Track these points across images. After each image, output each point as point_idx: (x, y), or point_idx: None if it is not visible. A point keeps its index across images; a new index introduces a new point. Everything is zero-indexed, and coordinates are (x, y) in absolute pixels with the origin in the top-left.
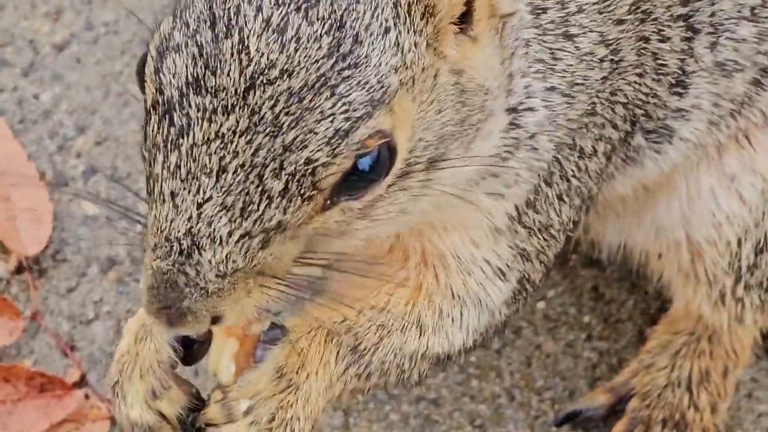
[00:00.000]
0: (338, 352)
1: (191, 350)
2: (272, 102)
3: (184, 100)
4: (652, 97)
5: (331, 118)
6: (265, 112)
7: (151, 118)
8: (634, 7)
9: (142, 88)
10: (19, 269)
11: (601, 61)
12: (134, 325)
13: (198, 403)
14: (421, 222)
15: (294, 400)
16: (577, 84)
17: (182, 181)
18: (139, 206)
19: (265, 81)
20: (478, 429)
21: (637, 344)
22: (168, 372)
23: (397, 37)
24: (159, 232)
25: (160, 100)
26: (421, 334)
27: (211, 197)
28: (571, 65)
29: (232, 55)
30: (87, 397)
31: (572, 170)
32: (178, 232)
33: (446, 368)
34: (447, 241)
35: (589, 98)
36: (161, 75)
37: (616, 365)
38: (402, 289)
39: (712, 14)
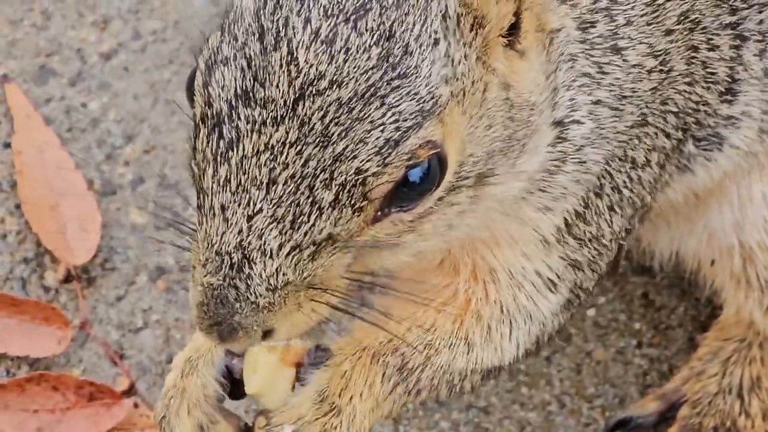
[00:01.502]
0: (384, 373)
1: (238, 384)
2: (322, 112)
3: (234, 112)
4: (703, 105)
5: (381, 128)
6: (315, 123)
7: (200, 132)
8: (683, 17)
9: (192, 102)
10: (67, 278)
11: (650, 72)
12: (180, 360)
13: None
14: (472, 237)
15: (338, 423)
16: (626, 96)
17: (232, 194)
18: (187, 213)
19: (314, 92)
20: None
21: (687, 351)
22: (215, 406)
23: (447, 49)
24: (210, 246)
25: (209, 113)
26: (469, 351)
27: (261, 209)
28: (619, 78)
29: (281, 66)
30: (136, 405)
31: (624, 181)
32: (229, 245)
33: (497, 377)
34: (499, 256)
35: (639, 109)
36: (210, 88)
37: (667, 372)
38: (450, 306)
39: (761, 22)
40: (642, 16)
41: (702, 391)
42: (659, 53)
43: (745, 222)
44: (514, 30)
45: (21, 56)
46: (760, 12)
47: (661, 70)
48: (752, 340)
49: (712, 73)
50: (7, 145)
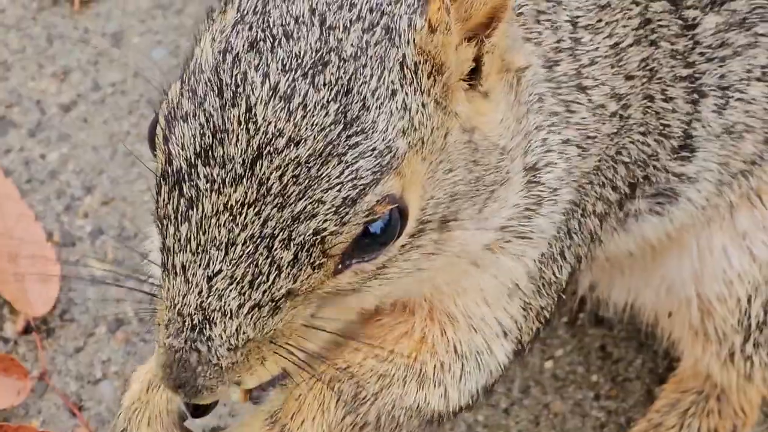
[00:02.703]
0: (338, 399)
1: (201, 405)
2: (280, 172)
3: (193, 171)
4: (654, 159)
5: (338, 187)
6: (273, 183)
7: (161, 188)
8: (643, 64)
9: (154, 153)
10: (26, 329)
11: (612, 115)
12: (148, 373)
13: None
14: (434, 283)
15: None
16: (590, 137)
17: (193, 254)
18: (145, 267)
19: (272, 150)
20: None
21: (645, 403)
22: (176, 422)
23: (404, 99)
24: (172, 306)
25: (169, 171)
26: (420, 388)
27: (221, 270)
28: (585, 118)
29: (239, 124)
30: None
31: (574, 227)
32: (190, 306)
33: (439, 427)
34: (458, 302)
35: (599, 153)
36: (170, 145)
37: (625, 424)
38: (405, 341)
39: (721, 76)
40: (606, 57)
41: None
42: (621, 97)
43: (704, 274)
44: (476, 73)
45: None
46: (721, 66)
47: (621, 116)
48: (710, 393)
49: (666, 125)
50: None
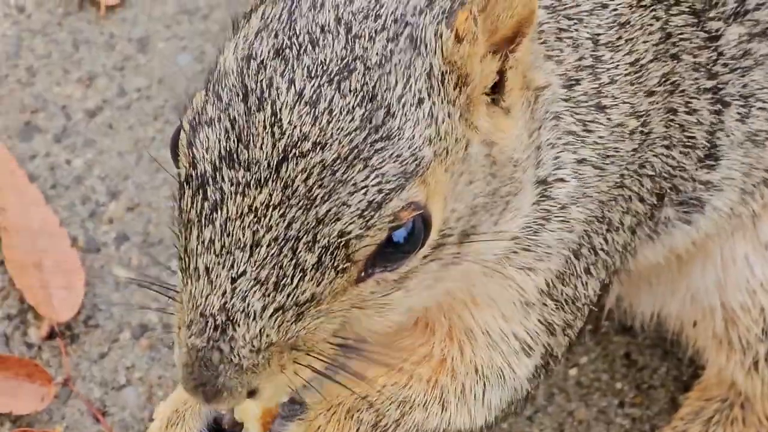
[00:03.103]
0: (358, 429)
1: None
2: (305, 175)
3: (218, 174)
4: (680, 170)
5: (364, 191)
6: (298, 185)
7: (184, 193)
8: (663, 79)
9: (176, 161)
10: (51, 335)
11: (632, 132)
12: (168, 409)
13: None
14: (451, 296)
15: None
16: (609, 156)
17: (216, 255)
18: (168, 274)
19: (297, 154)
20: None
21: (669, 411)
22: None
23: (431, 108)
24: (194, 307)
25: (193, 175)
26: (443, 410)
27: (245, 272)
28: (603, 137)
29: (264, 128)
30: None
31: (600, 243)
32: (213, 307)
33: None
34: (476, 316)
35: (619, 170)
36: (194, 149)
37: None
38: (425, 364)
39: (744, 86)
40: (626, 75)
41: None
42: (641, 114)
43: (727, 283)
44: (498, 87)
45: (6, 113)
46: (743, 76)
47: (642, 132)
48: (734, 401)
49: (691, 137)
50: None
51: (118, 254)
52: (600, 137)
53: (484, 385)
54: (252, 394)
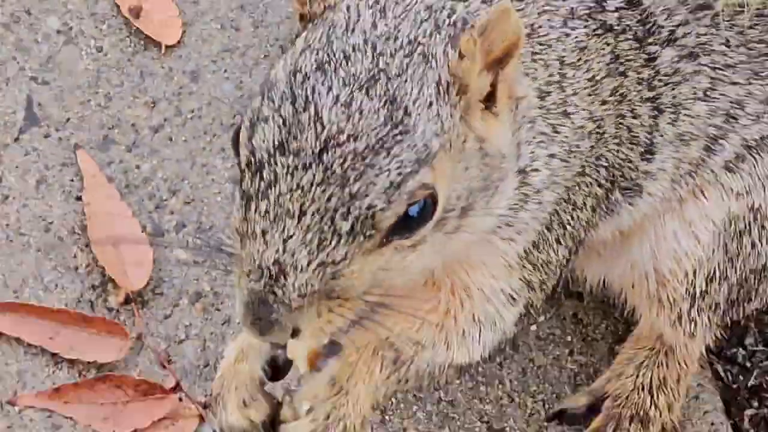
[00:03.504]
0: (382, 363)
1: (279, 369)
2: (341, 161)
3: (272, 159)
4: (627, 162)
5: (387, 174)
6: (336, 168)
7: (245, 176)
8: (614, 91)
9: (237, 152)
10: (126, 301)
11: (590, 133)
12: (234, 350)
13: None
14: (452, 261)
15: (345, 402)
16: (572, 151)
17: (271, 222)
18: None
19: (335, 144)
20: (485, 424)
21: (609, 358)
22: (257, 387)
23: (438, 110)
24: (253, 261)
25: (252, 161)
26: (447, 349)
27: (294, 234)
28: (568, 137)
29: (309, 124)
30: (180, 399)
31: (567, 219)
32: (269, 261)
33: (465, 374)
34: (472, 276)
35: (581, 162)
36: (254, 141)
37: (593, 374)
38: (433, 314)
39: (674, 97)
40: (585, 88)
41: (621, 389)
42: (597, 119)
43: (659, 253)
44: (490, 97)
45: (89, 129)
46: (673, 89)
47: (597, 132)
48: (660, 349)
49: (635, 136)
50: (79, 198)
51: (177, 238)
52: (566, 137)
53: (480, 329)
54: (295, 333)
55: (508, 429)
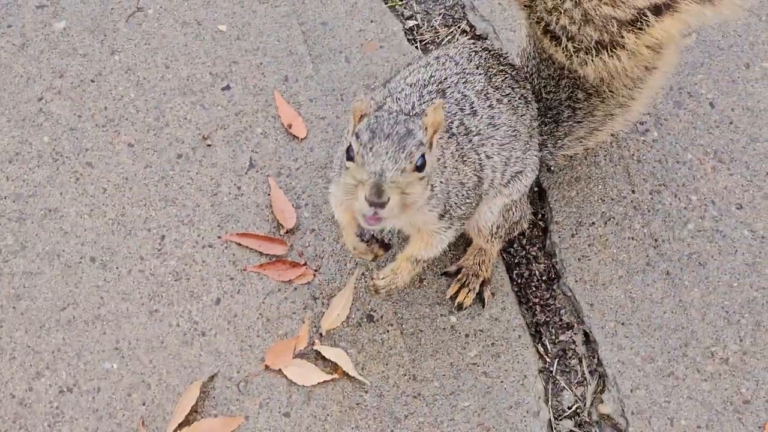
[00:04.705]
0: (410, 263)
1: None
2: (396, 140)
3: (369, 140)
4: (474, 173)
5: (413, 143)
6: (395, 140)
7: (359, 146)
8: (458, 153)
9: (350, 156)
10: (286, 232)
11: (465, 165)
12: (343, 221)
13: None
14: (421, 222)
15: (397, 277)
16: (457, 168)
17: (374, 157)
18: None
19: (394, 134)
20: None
21: (464, 252)
22: (356, 231)
23: (423, 134)
24: (368, 172)
25: (361, 139)
26: (432, 252)
27: (385, 159)
28: (455, 167)
29: (379, 139)
30: (305, 264)
31: (464, 195)
32: (376, 169)
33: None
34: (430, 225)
35: (465, 173)
36: (358, 135)
37: (458, 259)
38: (419, 241)
39: (485, 150)
40: (456, 151)
41: (467, 263)
42: (465, 160)
43: (481, 217)
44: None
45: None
46: (482, 146)
47: (458, 168)
48: (481, 250)
49: (472, 163)
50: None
51: (307, 210)
52: (455, 162)
53: (435, 245)
54: (382, 206)
55: (426, 282)
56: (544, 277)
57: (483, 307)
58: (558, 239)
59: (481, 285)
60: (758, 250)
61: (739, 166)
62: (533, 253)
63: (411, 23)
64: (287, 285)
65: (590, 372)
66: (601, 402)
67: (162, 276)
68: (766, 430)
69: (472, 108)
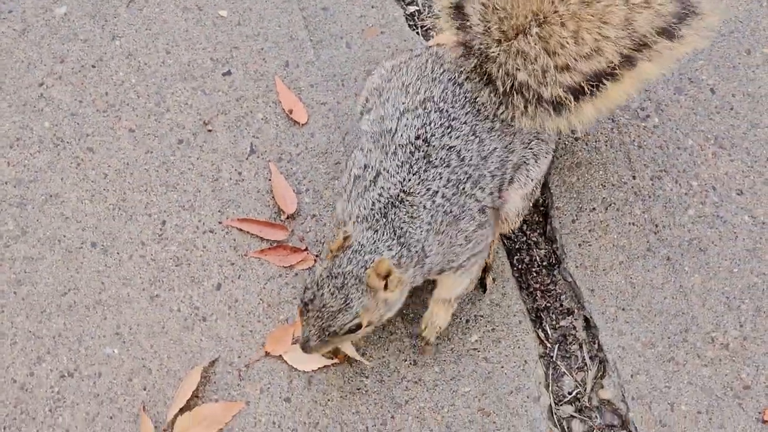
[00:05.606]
0: (446, 304)
1: None
2: (328, 314)
3: (309, 302)
4: (468, 230)
5: (342, 320)
6: (326, 316)
7: (302, 294)
8: (459, 213)
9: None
10: (287, 217)
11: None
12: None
13: None
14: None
15: (437, 314)
16: (451, 232)
17: (305, 323)
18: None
19: (327, 306)
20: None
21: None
22: None
23: (364, 298)
24: (306, 326)
25: (304, 296)
26: (454, 291)
27: (312, 330)
28: (445, 232)
29: (317, 298)
30: (306, 249)
31: (468, 247)
32: (305, 334)
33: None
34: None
35: (461, 227)
36: (306, 288)
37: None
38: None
39: (475, 179)
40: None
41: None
42: (460, 217)
43: (508, 207)
44: (387, 285)
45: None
46: (461, 195)
47: (457, 223)
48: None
49: (470, 211)
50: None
51: (308, 195)
52: (449, 236)
53: (461, 283)
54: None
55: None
56: (544, 263)
57: (484, 292)
58: (559, 225)
59: (483, 271)
60: (758, 236)
61: (740, 152)
62: (534, 239)
63: (412, 9)
64: (288, 270)
65: (590, 357)
66: (602, 387)
67: (163, 261)
68: (767, 415)
69: (460, 156)
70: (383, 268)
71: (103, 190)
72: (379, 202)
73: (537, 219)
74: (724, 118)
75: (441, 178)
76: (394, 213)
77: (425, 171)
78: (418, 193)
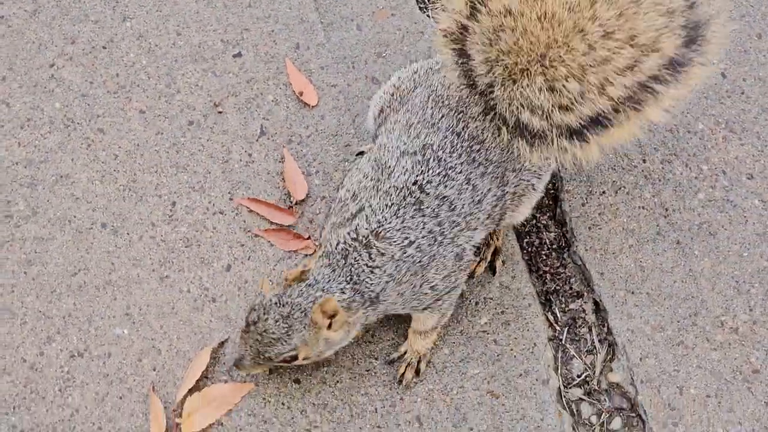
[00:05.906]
0: (429, 333)
1: None
2: (266, 340)
3: (252, 323)
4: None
5: (279, 350)
6: (265, 342)
7: (246, 314)
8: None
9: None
10: (295, 203)
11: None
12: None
13: None
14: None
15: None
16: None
17: (242, 341)
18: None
19: (267, 334)
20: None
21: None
22: None
23: (304, 334)
24: (244, 345)
25: (249, 317)
26: (428, 322)
27: (247, 350)
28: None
29: (257, 325)
30: (309, 238)
31: (447, 287)
32: (240, 352)
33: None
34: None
35: (440, 264)
36: (252, 309)
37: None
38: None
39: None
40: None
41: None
42: (437, 256)
43: (515, 216)
44: (331, 324)
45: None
46: (454, 211)
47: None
48: (501, 229)
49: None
50: (282, 160)
51: (318, 177)
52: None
53: (434, 314)
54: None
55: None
56: (554, 246)
57: (493, 275)
58: (568, 208)
59: (493, 254)
60: None
61: (750, 136)
62: (544, 222)
63: None
64: (296, 252)
65: (600, 340)
66: (611, 370)
67: (173, 242)
68: None
69: (452, 206)
70: (330, 308)
71: (114, 171)
72: (345, 242)
73: (547, 202)
74: (734, 102)
75: (423, 228)
76: (355, 258)
77: (411, 218)
78: (393, 241)
